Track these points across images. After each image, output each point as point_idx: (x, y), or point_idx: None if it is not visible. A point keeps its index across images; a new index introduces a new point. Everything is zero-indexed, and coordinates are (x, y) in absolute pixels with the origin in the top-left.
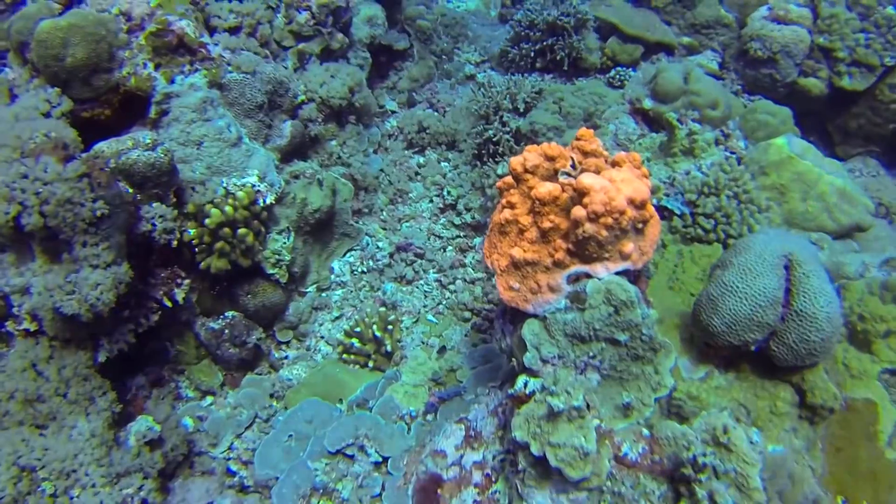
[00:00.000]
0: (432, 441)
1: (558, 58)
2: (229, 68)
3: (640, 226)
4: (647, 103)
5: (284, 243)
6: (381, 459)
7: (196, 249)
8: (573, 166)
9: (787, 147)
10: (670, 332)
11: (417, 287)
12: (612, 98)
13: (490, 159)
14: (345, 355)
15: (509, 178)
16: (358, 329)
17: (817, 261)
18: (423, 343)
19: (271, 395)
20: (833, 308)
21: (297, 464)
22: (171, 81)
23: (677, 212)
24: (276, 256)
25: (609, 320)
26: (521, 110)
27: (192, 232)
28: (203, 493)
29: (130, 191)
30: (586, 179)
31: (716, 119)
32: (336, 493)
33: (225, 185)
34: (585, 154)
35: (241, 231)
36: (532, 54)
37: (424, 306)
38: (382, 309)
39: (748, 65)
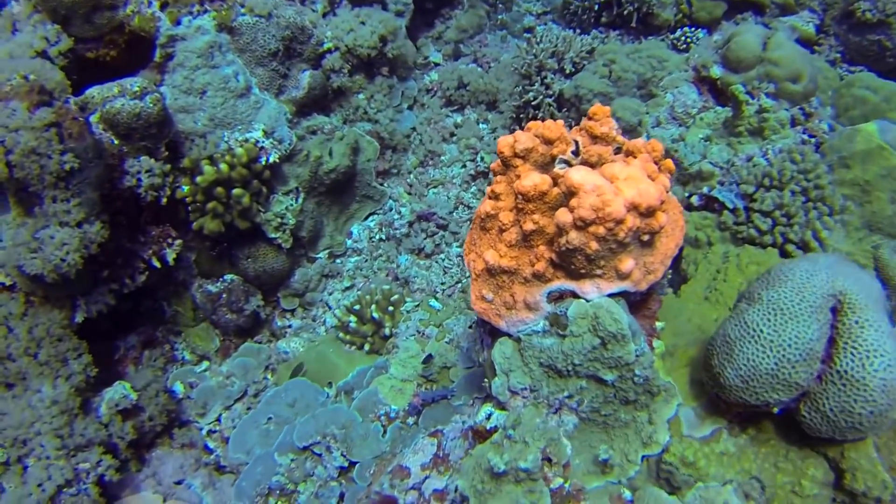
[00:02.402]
0: (402, 453)
1: (625, 12)
2: (242, 10)
3: (646, 237)
4: (716, 71)
5: (290, 205)
6: (346, 464)
7: (190, 208)
8: (575, 153)
9: (877, 135)
10: (680, 368)
11: (437, 262)
12: (674, 63)
13: None
14: (341, 334)
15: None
16: (357, 307)
17: (880, 306)
18: (418, 332)
19: (266, 368)
20: (893, 374)
21: (264, 455)
22: (177, 23)
23: (729, 205)
24: (280, 219)
25: (593, 354)
26: (568, 72)
27: (186, 189)
28: (176, 469)
29: (116, 142)
30: (575, 175)
31: (797, 94)
32: (295, 494)
33: (227, 139)
34: (594, 138)
35: (237, 192)
36: (597, 7)
37: (442, 283)
38: (387, 287)
39: (852, 29)
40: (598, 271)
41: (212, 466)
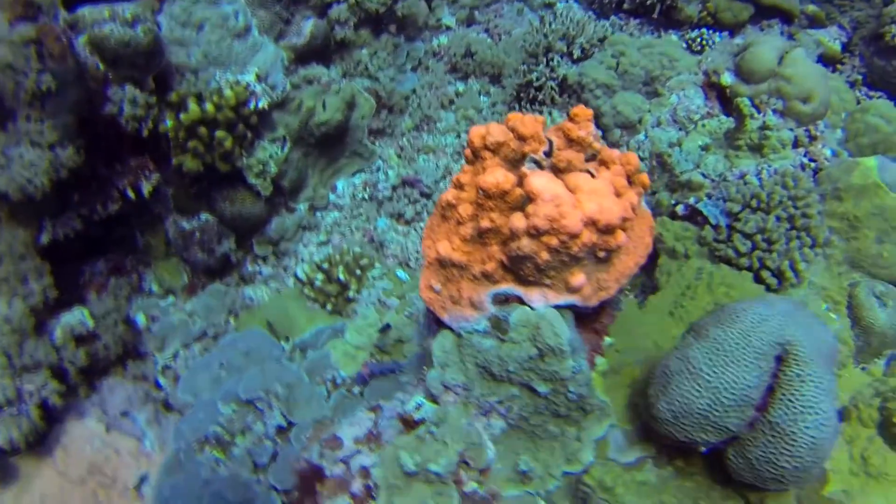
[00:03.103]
0: (339, 422)
1: (648, 2)
2: None
3: (602, 254)
4: (727, 79)
5: (275, 153)
6: (286, 424)
7: (171, 144)
8: (547, 153)
9: (875, 172)
10: (621, 387)
11: (415, 229)
12: (685, 63)
13: (528, 105)
14: (306, 290)
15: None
16: (326, 265)
17: (827, 362)
18: (380, 301)
19: (230, 312)
20: (822, 434)
21: (208, 401)
22: None
23: (712, 220)
24: (262, 166)
25: (529, 364)
26: (576, 57)
27: (169, 124)
28: (124, 400)
29: (101, 67)
30: (536, 182)
31: (805, 115)
32: (232, 446)
33: (218, 78)
34: (570, 141)
35: (219, 134)
36: None
37: (417, 251)
38: (358, 249)
39: (879, 52)
40: (548, 281)
41: (160, 403)
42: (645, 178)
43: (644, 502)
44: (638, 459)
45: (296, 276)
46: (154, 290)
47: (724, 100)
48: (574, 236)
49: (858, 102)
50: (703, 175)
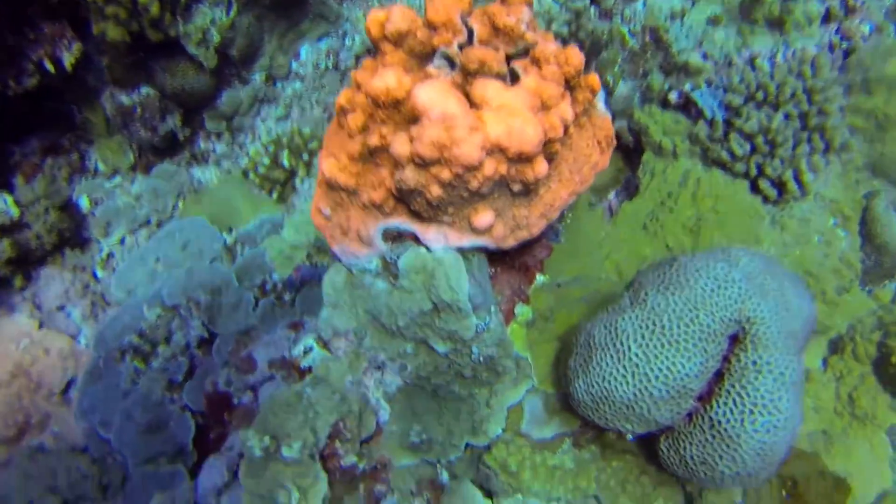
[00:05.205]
0: (259, 339)
1: None
2: None
3: (517, 188)
4: None
5: (218, 19)
6: (207, 335)
7: (91, 9)
8: (462, 47)
9: None
10: (550, 340)
11: None
12: None
13: None
14: (251, 174)
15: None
16: (272, 147)
17: (797, 343)
18: None
19: (178, 195)
20: (774, 439)
21: (135, 304)
22: None
23: (707, 113)
24: (202, 34)
25: (423, 319)
26: None
27: None
28: (60, 293)
29: None
30: (422, 94)
31: None
32: (152, 357)
33: None
34: (496, 31)
35: None
36: None
37: None
38: (307, 129)
39: None
40: (446, 218)
41: (98, 295)
42: (594, 79)
43: (555, 489)
44: (555, 436)
45: (249, 154)
46: (100, 169)
47: None
48: (472, 169)
49: None
50: (705, 56)
